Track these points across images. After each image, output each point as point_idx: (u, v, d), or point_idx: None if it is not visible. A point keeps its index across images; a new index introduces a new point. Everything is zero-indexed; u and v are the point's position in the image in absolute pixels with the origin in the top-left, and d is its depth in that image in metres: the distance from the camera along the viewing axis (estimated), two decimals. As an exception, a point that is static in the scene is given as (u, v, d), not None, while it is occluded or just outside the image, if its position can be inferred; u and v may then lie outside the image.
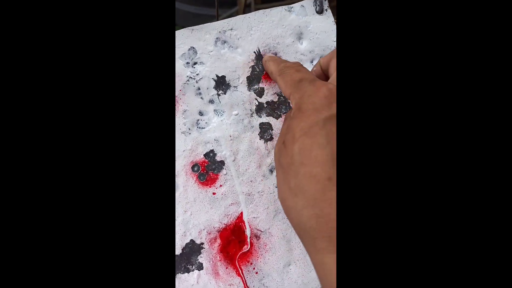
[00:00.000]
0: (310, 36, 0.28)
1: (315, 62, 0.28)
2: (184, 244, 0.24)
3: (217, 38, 0.27)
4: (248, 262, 0.25)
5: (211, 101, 0.27)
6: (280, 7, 0.28)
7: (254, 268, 0.25)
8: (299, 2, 0.28)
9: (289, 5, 0.28)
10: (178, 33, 0.26)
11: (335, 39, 0.28)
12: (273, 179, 0.26)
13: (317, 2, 0.28)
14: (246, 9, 1.00)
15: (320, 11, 0.28)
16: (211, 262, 0.24)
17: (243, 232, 0.25)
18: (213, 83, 0.27)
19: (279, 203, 0.26)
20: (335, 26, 0.28)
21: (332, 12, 0.28)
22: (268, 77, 0.28)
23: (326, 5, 0.28)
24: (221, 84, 0.27)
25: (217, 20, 0.32)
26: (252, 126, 0.27)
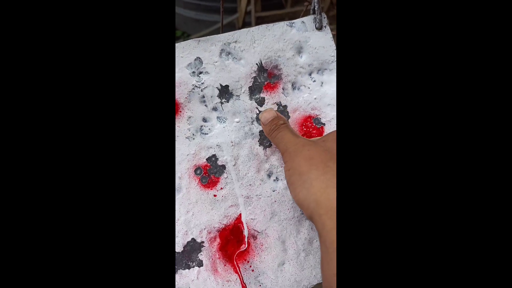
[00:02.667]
0: (309, 51, 0.30)
1: (313, 75, 0.30)
2: (185, 242, 0.26)
3: (222, 49, 0.29)
4: (245, 260, 0.26)
5: (215, 109, 0.28)
6: (282, 22, 0.29)
7: (250, 266, 0.26)
8: (299, 18, 0.30)
9: (291, 21, 0.30)
10: (185, 44, 0.28)
11: (332, 54, 0.30)
12: (270, 183, 0.28)
13: (317, 19, 0.30)
14: (246, 16, 1.02)
15: (319, 27, 0.30)
16: (211, 259, 0.26)
17: (241, 232, 0.27)
18: (217, 91, 0.28)
19: (275, 205, 0.28)
20: (333, 42, 0.30)
21: (330, 22, 0.30)
22: (269, 87, 0.29)
23: (325, 22, 0.30)
24: (225, 93, 0.28)
25: (222, 26, 0.33)
26: (253, 133, 0.28)
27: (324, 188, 0.19)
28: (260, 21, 0.95)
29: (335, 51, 0.30)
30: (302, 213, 0.28)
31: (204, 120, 0.28)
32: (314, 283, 0.27)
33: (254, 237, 0.27)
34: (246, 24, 1.04)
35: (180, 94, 0.28)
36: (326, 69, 0.30)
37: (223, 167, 0.28)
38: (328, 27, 0.30)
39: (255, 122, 0.29)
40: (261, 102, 0.29)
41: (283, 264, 0.27)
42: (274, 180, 0.28)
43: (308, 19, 0.30)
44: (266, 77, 0.29)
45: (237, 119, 0.28)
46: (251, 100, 0.29)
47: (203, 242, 0.26)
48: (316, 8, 0.29)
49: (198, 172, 0.27)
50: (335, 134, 0.24)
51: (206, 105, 0.28)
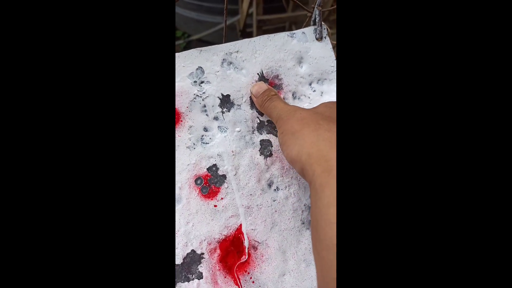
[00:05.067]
0: (310, 61, 0.30)
1: (313, 85, 0.30)
2: (185, 254, 0.26)
3: (223, 59, 0.29)
4: (246, 271, 0.26)
5: (216, 118, 0.28)
6: (283, 33, 0.29)
7: (251, 278, 0.26)
8: (300, 29, 0.30)
9: (291, 32, 0.30)
10: (187, 54, 0.28)
11: (332, 64, 0.30)
12: (271, 193, 0.28)
13: (317, 29, 0.30)
14: (248, 19, 1.02)
15: (319, 38, 0.30)
16: (211, 271, 0.26)
17: (242, 243, 0.27)
18: (218, 101, 0.28)
19: (276, 215, 0.28)
20: (333, 52, 0.30)
21: (331, 26, 0.30)
22: (269, 97, 0.29)
23: (325, 32, 0.30)
24: (226, 102, 0.28)
25: (225, 27, 0.33)
26: (253, 143, 0.28)
27: (315, 142, 0.21)
28: (261, 24, 0.95)
29: (335, 62, 0.30)
30: (303, 223, 0.28)
31: (205, 129, 0.28)
32: (314, 295, 0.27)
33: (255, 248, 0.27)
34: (247, 27, 1.04)
35: (182, 103, 0.28)
36: (326, 79, 0.30)
37: (224, 176, 0.28)
38: (328, 38, 0.30)
39: (256, 132, 0.29)
40: (261, 112, 0.29)
41: (284, 275, 0.27)
42: (275, 189, 0.28)
43: (309, 30, 0.30)
44: (267, 87, 0.29)
45: (238, 129, 0.28)
46: (252, 109, 0.29)
47: (203, 253, 0.26)
48: (317, 20, 0.29)
49: (198, 182, 0.27)
50: (325, 103, 0.25)
51: (207, 115, 0.28)
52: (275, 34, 0.29)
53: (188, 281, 0.25)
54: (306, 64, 0.30)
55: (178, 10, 1.24)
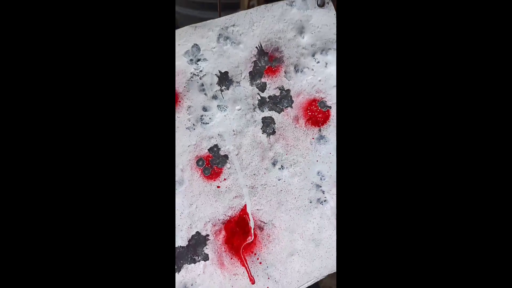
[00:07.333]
0: (312, 30, 0.28)
1: (317, 56, 0.28)
2: (190, 236, 0.25)
3: (219, 34, 0.27)
4: (252, 252, 0.25)
5: (215, 97, 0.27)
6: (282, 1, 0.28)
7: (258, 259, 0.25)
8: (300, -3, 0.28)
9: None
10: (182, 31, 0.27)
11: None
12: (275, 172, 0.27)
13: (318, -4, 0.28)
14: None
15: (321, 4, 0.28)
16: (217, 253, 0.25)
17: (247, 223, 0.26)
18: (216, 79, 0.27)
19: (281, 195, 0.27)
20: (336, 19, 0.28)
21: (333, 2, 0.28)
22: (270, 71, 0.28)
23: (327, -2, 0.28)
24: (224, 80, 0.27)
25: (219, 7, 0.32)
26: (255, 121, 0.27)
27: None
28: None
29: (340, 29, 0.28)
30: (310, 202, 0.27)
31: (204, 109, 0.27)
32: (325, 274, 0.26)
33: (261, 228, 0.26)
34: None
35: (179, 83, 0.27)
36: (330, 48, 0.28)
37: (226, 157, 0.27)
38: (331, 4, 0.28)
39: (257, 109, 0.27)
40: (262, 88, 0.28)
41: (292, 255, 0.26)
42: (279, 168, 0.27)
43: (309, -3, 0.28)
44: (267, 61, 0.28)
45: (238, 107, 0.27)
46: (252, 86, 0.27)
47: (208, 235, 0.25)
48: (317, -17, 0.27)
49: (200, 163, 0.26)
50: None
51: (205, 94, 0.27)
52: (273, 3, 0.27)
53: (194, 263, 0.25)
54: (308, 34, 0.28)
55: (180, 9, 1.24)
